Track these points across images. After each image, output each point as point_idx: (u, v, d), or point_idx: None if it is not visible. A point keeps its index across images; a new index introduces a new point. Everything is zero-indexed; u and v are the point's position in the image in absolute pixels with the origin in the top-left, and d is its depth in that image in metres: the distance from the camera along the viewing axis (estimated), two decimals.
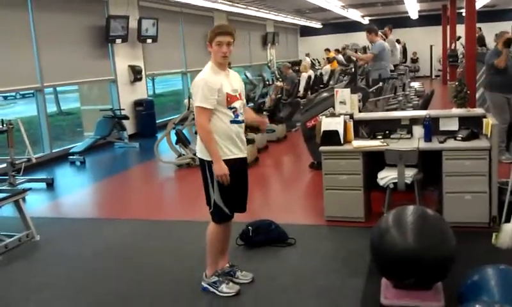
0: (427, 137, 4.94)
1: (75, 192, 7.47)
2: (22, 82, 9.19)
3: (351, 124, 5.25)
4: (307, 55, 21.31)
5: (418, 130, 5.15)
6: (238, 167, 3.63)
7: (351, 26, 22.81)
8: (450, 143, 4.79)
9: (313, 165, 7.32)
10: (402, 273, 3.17)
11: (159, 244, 5.01)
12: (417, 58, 23.72)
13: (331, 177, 5.04)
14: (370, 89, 8.07)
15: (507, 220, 4.37)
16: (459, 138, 4.83)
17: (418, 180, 4.69)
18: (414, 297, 3.20)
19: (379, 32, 9.65)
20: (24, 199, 5.35)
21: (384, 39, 10.17)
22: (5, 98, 23.18)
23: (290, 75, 12.53)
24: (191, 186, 6.92)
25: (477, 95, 9.24)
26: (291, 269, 4.19)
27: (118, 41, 11.13)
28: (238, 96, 3.66)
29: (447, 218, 4.03)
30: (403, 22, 21.83)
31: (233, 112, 3.60)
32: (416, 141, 5.00)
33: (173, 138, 8.40)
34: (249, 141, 7.98)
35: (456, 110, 5.28)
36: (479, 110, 5.39)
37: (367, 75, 9.44)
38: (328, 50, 18.97)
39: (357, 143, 5.06)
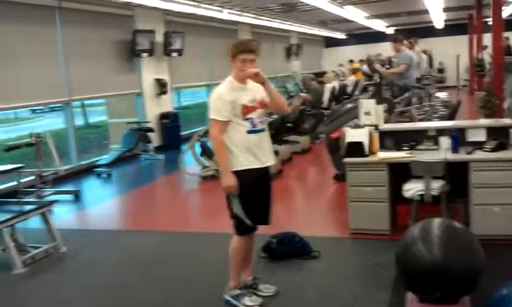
0: (455, 148, 4.86)
1: (101, 204, 7.56)
2: (51, 95, 9.36)
3: (376, 135, 5.20)
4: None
5: (445, 141, 5.07)
6: (258, 177, 3.63)
7: (375, 36, 22.68)
8: (478, 154, 4.70)
9: (337, 177, 7.26)
10: (428, 287, 3.10)
11: (183, 256, 5.02)
12: (443, 68, 23.43)
13: (355, 189, 4.99)
14: (396, 100, 8.01)
15: None
16: (487, 149, 4.74)
17: (445, 192, 4.61)
18: None
19: (405, 42, 9.58)
20: (50, 211, 5.43)
21: (410, 48, 10.08)
22: (33, 111, 23.67)
23: (313, 86, 12.50)
24: (216, 198, 6.93)
25: (505, 105, 9.08)
26: (315, 282, 4.15)
27: (144, 55, 11.28)
28: (257, 105, 3.65)
29: (474, 231, 3.95)
30: (428, 31, 21.62)
31: (250, 123, 3.61)
32: (443, 152, 4.92)
33: (198, 150, 8.44)
34: (274, 153, 7.99)
35: (483, 121, 5.21)
36: (507, 121, 5.28)
37: (392, 85, 9.37)
38: (351, 61, 18.88)
39: (382, 154, 5.01)
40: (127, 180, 9.46)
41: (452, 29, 22.13)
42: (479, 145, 4.87)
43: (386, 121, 6.02)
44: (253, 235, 3.81)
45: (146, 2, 10.21)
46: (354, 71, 16.51)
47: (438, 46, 22.57)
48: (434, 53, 22.13)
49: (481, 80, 15.25)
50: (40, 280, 4.66)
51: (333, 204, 6.61)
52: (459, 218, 4.66)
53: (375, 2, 14.61)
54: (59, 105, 10.58)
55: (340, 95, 13.15)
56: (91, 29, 10.15)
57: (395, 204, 5.16)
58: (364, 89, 13.30)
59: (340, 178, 7.02)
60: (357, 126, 5.40)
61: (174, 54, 12.39)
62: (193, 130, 12.24)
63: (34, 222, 5.55)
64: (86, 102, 17.57)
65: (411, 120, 6.67)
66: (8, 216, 4.92)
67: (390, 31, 22.04)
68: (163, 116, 12.08)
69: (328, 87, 13.18)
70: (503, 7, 9.74)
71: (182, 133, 12.58)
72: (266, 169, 3.73)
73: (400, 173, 4.85)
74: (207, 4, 11.62)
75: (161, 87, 12.05)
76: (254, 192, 3.60)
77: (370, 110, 5.52)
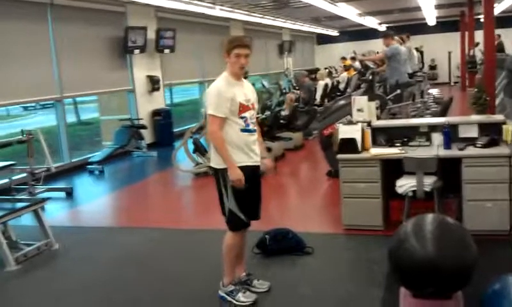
0: (447, 145, 4.88)
1: (94, 201, 7.53)
2: (42, 92, 9.31)
3: (368, 131, 5.22)
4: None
5: (437, 138, 5.10)
6: (249, 174, 3.63)
7: (368, 33, 22.71)
8: (470, 150, 4.73)
9: (331, 173, 7.28)
10: (421, 282, 3.12)
11: (176, 253, 5.02)
12: (435, 65, 23.51)
13: (348, 185, 5.01)
14: (388, 97, 8.03)
15: None
16: (479, 145, 4.76)
17: (437, 188, 4.63)
18: None
19: (396, 37, 9.63)
20: (43, 208, 5.42)
21: (401, 44, 10.12)
22: (25, 108, 23.52)
23: (306, 83, 12.51)
24: (209, 194, 6.90)
25: (497, 101, 9.12)
26: (309, 278, 4.16)
27: (136, 51, 11.24)
28: (251, 106, 3.72)
29: (467, 226, 3.98)
30: (421, 28, 21.67)
31: (244, 121, 3.64)
32: (435, 148, 4.95)
33: (191, 147, 8.43)
34: (267, 149, 7.99)
35: (475, 117, 5.22)
36: (498, 117, 5.32)
37: (385, 82, 9.41)
38: (344, 58, 18.88)
39: (375, 151, 5.02)
40: (119, 177, 9.43)
41: (444, 26, 22.20)
42: (471, 141, 4.90)
43: (379, 118, 6.03)
44: (246, 231, 3.82)
45: None
46: (347, 68, 16.53)
47: (430, 43, 22.63)
48: (426, 50, 22.20)
49: (473, 76, 15.31)
50: (32, 277, 4.64)
51: (327, 200, 6.63)
52: (451, 213, 4.69)
53: None
54: (50, 102, 10.52)
55: (332, 92, 13.17)
56: (83, 25, 10.09)
57: (388, 200, 5.18)
58: (357, 86, 13.34)
59: (334, 174, 7.05)
60: (350, 122, 5.42)
61: (166, 51, 12.35)
62: (186, 127, 12.22)
63: (27, 219, 5.53)
64: (78, 98, 17.47)
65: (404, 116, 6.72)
66: (0, 213, 4.90)
67: (383, 28, 22.08)
68: (155, 113, 12.05)
69: (321, 84, 13.20)
70: (494, 4, 9.78)
71: (175, 130, 12.56)
72: (257, 166, 3.77)
73: (393, 169, 4.87)
74: (198, 0, 11.58)
75: (153, 84, 12.01)
76: (246, 188, 3.60)
77: (363, 106, 5.53)
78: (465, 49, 18.20)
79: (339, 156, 5.06)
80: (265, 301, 3.77)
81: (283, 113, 10.49)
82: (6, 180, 7.44)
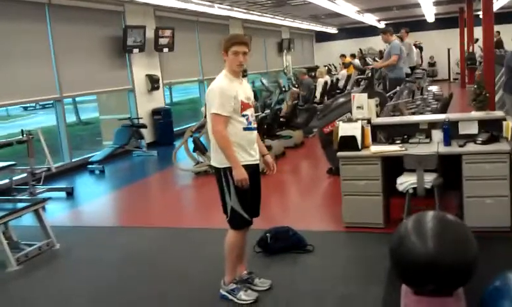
0: (447, 141, 4.89)
1: (95, 201, 7.53)
2: (42, 92, 9.31)
3: (368, 129, 5.22)
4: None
5: (437, 134, 5.10)
6: (250, 172, 3.63)
7: (367, 31, 22.71)
8: (470, 147, 4.73)
9: (331, 171, 7.28)
10: (422, 279, 3.12)
11: (177, 252, 5.03)
12: (435, 62, 23.50)
13: (349, 183, 5.01)
14: (388, 94, 8.02)
15: None
16: (479, 141, 4.77)
17: (437, 185, 4.63)
18: (434, 304, 3.15)
19: (395, 35, 9.65)
20: (43, 208, 5.42)
21: (400, 41, 10.13)
22: (25, 108, 23.54)
23: (306, 81, 12.50)
24: (209, 193, 6.92)
25: (496, 98, 9.13)
26: (310, 276, 4.16)
27: (135, 50, 11.23)
28: (251, 104, 3.74)
29: (467, 223, 3.98)
30: (420, 25, 21.67)
31: (246, 120, 3.65)
32: (436, 145, 4.95)
33: (191, 146, 8.43)
34: (267, 148, 7.99)
35: (475, 114, 5.23)
36: (498, 113, 5.31)
37: (384, 79, 9.41)
38: (343, 55, 18.87)
39: (375, 148, 5.03)
40: (120, 177, 9.43)
41: (443, 22, 22.20)
42: (470, 138, 4.90)
43: (379, 115, 6.03)
44: (248, 229, 3.83)
45: None
46: (346, 65, 16.53)
47: (429, 40, 22.63)
48: (425, 47, 22.19)
49: (472, 73, 15.31)
50: (34, 277, 4.64)
51: (327, 198, 6.63)
52: (452, 210, 4.68)
53: None
54: (50, 102, 10.52)
55: (332, 89, 13.16)
56: (82, 25, 10.09)
57: (388, 198, 5.18)
58: (357, 84, 13.33)
59: (334, 172, 7.05)
60: (350, 120, 5.42)
61: (165, 50, 12.35)
62: (186, 126, 12.22)
63: (28, 219, 5.53)
64: (78, 98, 17.46)
65: (401, 114, 6.70)
66: (1, 214, 4.89)
67: (382, 25, 22.08)
68: (155, 112, 12.04)
69: (320, 81, 13.20)
70: (494, 0, 9.78)
71: (175, 129, 12.56)
72: (256, 165, 3.77)
73: (393, 166, 4.87)
74: None
75: (153, 83, 12.01)
76: (249, 186, 3.60)
77: (363, 104, 5.53)
78: (464, 46, 18.20)
79: (339, 154, 5.06)
80: (266, 299, 3.77)
81: (283, 107, 10.49)
82: (7, 180, 7.45)
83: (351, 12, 17.39)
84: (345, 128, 5.17)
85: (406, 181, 4.71)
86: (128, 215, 6.76)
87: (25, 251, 5.02)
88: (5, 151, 7.75)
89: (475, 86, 5.61)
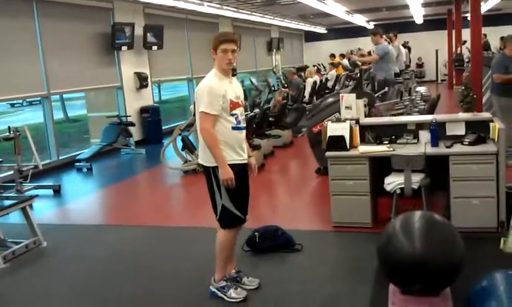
0: (434, 142, 4.92)
1: (82, 199, 7.49)
2: (29, 89, 9.24)
3: (357, 129, 5.24)
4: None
5: (424, 135, 5.14)
6: (238, 172, 3.64)
7: (356, 31, 22.79)
8: (457, 148, 4.77)
9: (320, 170, 7.31)
10: (409, 279, 3.15)
11: (166, 250, 5.01)
12: (423, 63, 23.65)
13: (337, 183, 5.03)
14: (376, 94, 8.06)
15: None
16: (466, 143, 4.81)
17: (425, 185, 4.67)
18: (422, 303, 3.18)
19: (384, 36, 9.71)
20: (30, 206, 5.38)
21: (389, 43, 10.20)
22: (12, 105, 23.32)
23: (295, 80, 12.51)
24: (198, 192, 6.91)
25: (484, 99, 9.20)
26: (298, 275, 4.17)
27: (124, 48, 11.18)
28: (240, 103, 3.73)
29: (454, 223, 4.01)
30: (408, 26, 21.80)
31: (235, 119, 3.64)
32: (423, 146, 4.98)
33: (179, 144, 8.41)
34: (255, 147, 7.99)
35: (462, 115, 5.26)
36: (485, 115, 5.36)
37: (373, 79, 9.46)
38: (332, 55, 18.91)
39: (363, 148, 5.05)
40: (107, 175, 9.38)
41: (431, 24, 22.35)
42: (458, 139, 4.94)
43: (367, 116, 6.06)
44: (241, 227, 3.83)
45: None
46: (335, 65, 16.55)
47: (417, 41, 22.76)
48: (413, 48, 22.32)
49: (460, 74, 15.42)
50: (20, 275, 4.61)
51: (316, 197, 6.66)
52: (439, 211, 4.72)
53: None
54: (37, 99, 10.43)
55: (321, 89, 13.19)
56: (70, 22, 10.01)
57: (376, 198, 5.21)
58: (348, 79, 13.39)
59: (322, 171, 7.08)
60: (338, 120, 5.44)
61: (154, 47, 12.30)
62: (174, 124, 12.19)
63: (15, 217, 5.49)
64: (66, 95, 17.30)
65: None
66: None
67: (371, 26, 22.17)
68: (144, 110, 12.00)
69: (310, 81, 13.22)
70: (481, 3, 9.86)
71: (163, 127, 12.51)
72: (245, 164, 3.77)
73: (381, 166, 4.90)
74: None
75: (141, 80, 11.96)
76: (238, 185, 3.60)
77: (351, 104, 5.56)
78: (452, 47, 18.33)
79: (328, 153, 5.08)
80: (254, 298, 3.78)
81: (271, 104, 10.49)
82: None
83: (340, 12, 17.43)
84: (333, 128, 5.19)
85: (393, 182, 4.74)
86: (116, 213, 6.73)
87: (12, 249, 4.97)
88: None
89: (463, 88, 5.66)
